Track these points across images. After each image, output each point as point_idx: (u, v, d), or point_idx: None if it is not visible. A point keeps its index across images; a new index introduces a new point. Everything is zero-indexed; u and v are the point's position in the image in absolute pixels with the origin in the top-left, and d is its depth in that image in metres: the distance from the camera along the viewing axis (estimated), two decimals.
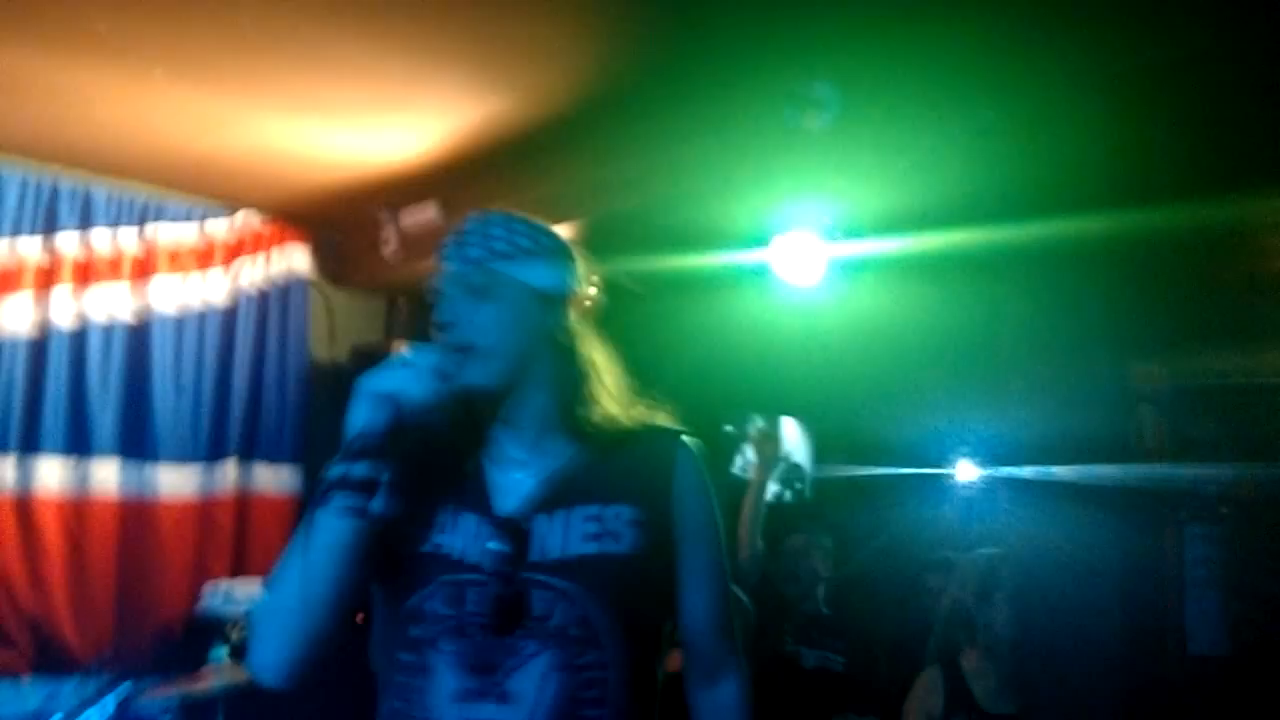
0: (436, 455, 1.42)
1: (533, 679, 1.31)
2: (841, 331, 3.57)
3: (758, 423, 3.58)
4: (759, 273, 3.28)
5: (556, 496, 1.40)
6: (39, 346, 3.35)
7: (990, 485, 3.99)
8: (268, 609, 1.34)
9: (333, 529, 1.29)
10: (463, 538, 1.37)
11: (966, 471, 4.05)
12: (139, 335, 3.54)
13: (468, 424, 1.44)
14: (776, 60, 2.59)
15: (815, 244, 3.21)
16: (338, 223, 3.94)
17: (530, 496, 1.40)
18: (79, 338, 3.42)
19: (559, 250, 1.48)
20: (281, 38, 2.59)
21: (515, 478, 1.42)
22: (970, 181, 2.89)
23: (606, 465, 1.42)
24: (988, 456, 4.01)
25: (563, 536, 1.36)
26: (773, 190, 3.05)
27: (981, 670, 2.77)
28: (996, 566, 2.86)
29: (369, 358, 2.84)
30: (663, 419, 1.52)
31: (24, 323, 3.33)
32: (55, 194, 3.42)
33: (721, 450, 3.57)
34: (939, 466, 4.09)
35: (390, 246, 3.68)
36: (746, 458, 3.59)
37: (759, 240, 3.26)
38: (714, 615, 1.47)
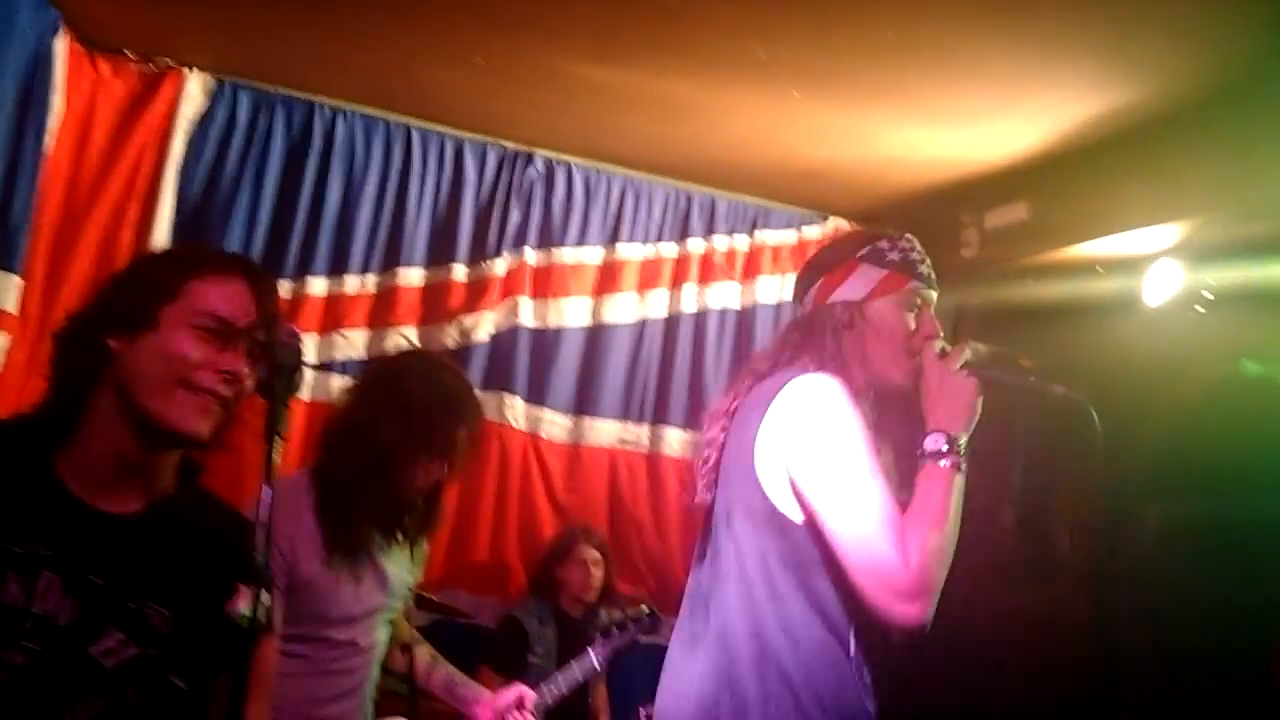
0: None
1: None
2: None
3: None
4: None
5: None
6: (670, 329, 4.01)
7: None
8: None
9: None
10: None
11: None
12: (745, 323, 4.08)
13: None
14: None
15: None
16: (916, 226, 4.15)
17: None
18: (700, 323, 4.03)
19: None
20: (921, 47, 2.82)
21: None
22: None
23: None
24: None
25: None
26: None
27: None
28: None
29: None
30: None
31: (659, 310, 4.01)
32: (688, 205, 4.07)
33: None
34: None
35: (971, 249, 3.81)
36: None
37: None
38: None
